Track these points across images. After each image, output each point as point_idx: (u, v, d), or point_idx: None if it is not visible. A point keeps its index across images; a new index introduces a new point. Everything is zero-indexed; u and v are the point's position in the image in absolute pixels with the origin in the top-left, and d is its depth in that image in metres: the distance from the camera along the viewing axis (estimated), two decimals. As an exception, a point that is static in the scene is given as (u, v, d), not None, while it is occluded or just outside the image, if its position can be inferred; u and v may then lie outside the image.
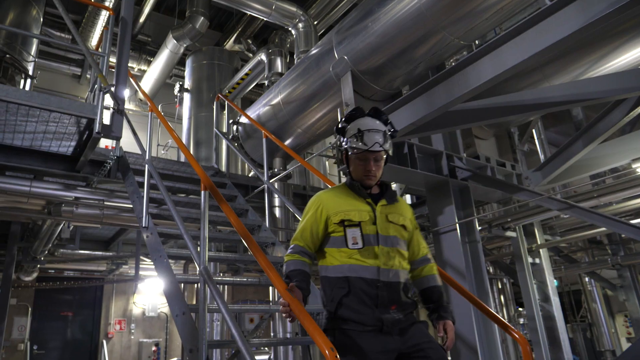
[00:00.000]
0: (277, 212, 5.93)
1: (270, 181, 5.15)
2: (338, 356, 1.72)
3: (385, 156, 2.28)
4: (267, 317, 4.57)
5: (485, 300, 4.29)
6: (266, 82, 7.13)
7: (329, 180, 4.29)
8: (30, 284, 8.87)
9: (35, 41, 7.00)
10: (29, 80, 6.76)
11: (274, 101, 6.02)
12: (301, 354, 5.54)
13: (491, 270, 8.92)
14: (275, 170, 6.14)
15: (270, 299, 5.40)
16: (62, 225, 6.40)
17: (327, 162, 10.62)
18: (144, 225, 3.90)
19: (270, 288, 5.45)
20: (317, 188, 7.22)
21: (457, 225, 4.54)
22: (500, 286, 9.36)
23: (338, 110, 4.63)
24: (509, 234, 6.10)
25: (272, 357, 5.39)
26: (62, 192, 5.47)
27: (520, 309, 9.74)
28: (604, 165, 5.33)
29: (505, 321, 2.89)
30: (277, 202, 5.98)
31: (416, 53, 4.28)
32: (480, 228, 5.80)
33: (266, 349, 7.05)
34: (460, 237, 4.52)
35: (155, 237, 3.75)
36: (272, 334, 5.73)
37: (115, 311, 9.91)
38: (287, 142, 6.05)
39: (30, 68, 6.78)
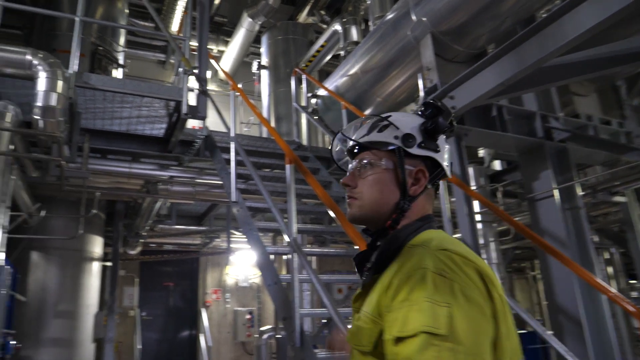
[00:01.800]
0: (360, 183, 5.89)
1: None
2: None
3: (383, 161, 1.18)
4: (357, 287, 4.60)
5: (590, 271, 3.99)
6: (342, 53, 7.03)
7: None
8: (135, 257, 9.67)
9: (123, 32, 7.42)
10: (120, 70, 7.21)
11: (352, 71, 5.93)
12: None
13: (597, 239, 8.25)
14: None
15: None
16: (159, 202, 6.85)
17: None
18: (233, 200, 4.05)
19: (357, 259, 5.46)
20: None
21: (555, 191, 4.23)
22: (607, 256, 8.64)
23: (419, 75, 4.45)
24: (618, 199, 5.59)
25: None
26: (157, 171, 5.83)
27: (632, 281, 8.96)
28: None
29: (617, 293, 2.66)
30: (360, 173, 5.93)
31: (502, 7, 3.97)
32: (582, 193, 5.35)
33: (355, 318, 7.17)
34: (560, 204, 4.20)
35: (244, 211, 3.89)
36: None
37: (211, 282, 10.55)
38: (366, 112, 5.95)
39: (120, 58, 7.21)
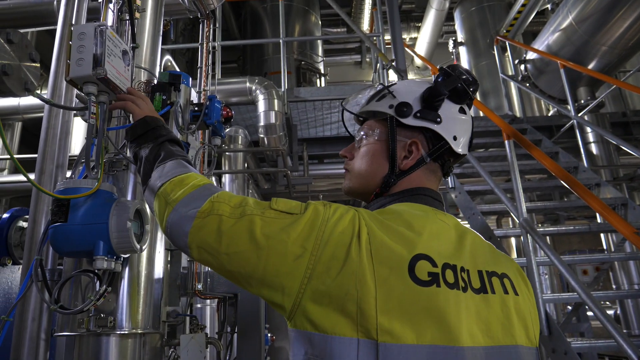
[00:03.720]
0: (593, 148, 5.12)
1: (579, 115, 4.47)
2: None
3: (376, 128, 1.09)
4: (606, 268, 4.01)
5: None
6: (549, 6, 6.24)
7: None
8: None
9: (319, 43, 7.98)
10: (322, 78, 7.77)
11: (564, 24, 5.20)
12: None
13: None
14: (582, 102, 5.31)
15: (604, 246, 4.72)
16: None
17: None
18: (450, 186, 3.94)
19: (602, 235, 4.76)
20: (640, 111, 5.92)
21: None
22: None
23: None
24: None
25: (618, 311, 4.73)
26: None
27: None
28: None
29: None
30: (591, 137, 5.17)
31: None
32: None
33: (608, 303, 6.26)
34: None
35: (464, 195, 3.75)
36: (614, 287, 5.02)
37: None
38: (591, 66, 5.15)
39: (321, 67, 7.77)
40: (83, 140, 1.95)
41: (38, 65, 2.82)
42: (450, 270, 0.84)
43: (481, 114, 6.57)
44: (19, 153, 5.95)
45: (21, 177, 5.34)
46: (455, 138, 1.03)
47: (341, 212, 0.88)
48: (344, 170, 1.13)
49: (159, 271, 2.02)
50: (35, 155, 2.28)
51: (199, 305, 3.97)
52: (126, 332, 1.81)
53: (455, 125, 1.04)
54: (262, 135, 4.61)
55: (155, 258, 2.01)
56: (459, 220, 1.15)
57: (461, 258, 0.88)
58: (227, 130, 4.84)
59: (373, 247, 0.81)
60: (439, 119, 1.02)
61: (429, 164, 1.04)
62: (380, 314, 0.76)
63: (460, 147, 1.05)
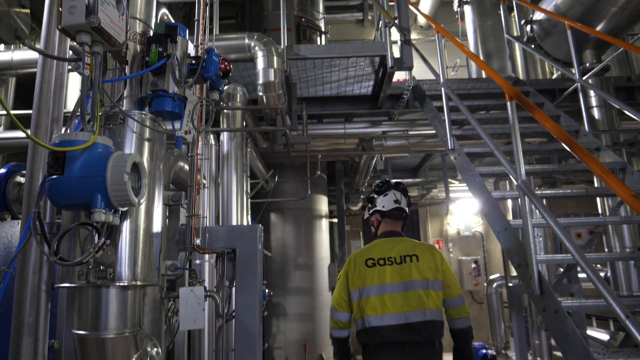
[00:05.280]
0: (595, 113, 5.08)
1: (584, 78, 4.41)
2: None
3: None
4: (600, 231, 4.05)
5: None
6: (559, -36, 6.02)
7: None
8: (358, 212, 10.36)
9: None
10: (323, 36, 7.59)
11: (574, -17, 5.04)
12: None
13: None
14: (587, 65, 5.22)
15: (600, 210, 4.75)
16: (375, 158, 7.12)
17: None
18: (450, 148, 3.93)
19: (598, 200, 4.79)
20: (645, 76, 5.83)
21: None
22: None
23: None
24: None
25: (609, 274, 4.81)
26: (370, 129, 6.04)
27: None
28: None
29: None
30: (594, 101, 5.11)
31: None
32: None
33: (599, 266, 6.36)
34: None
35: (463, 157, 3.74)
36: (606, 250, 5.09)
37: (432, 232, 10.66)
38: (598, 28, 5.03)
39: (321, 25, 7.57)
40: (78, 95, 1.92)
41: (28, 11, 2.74)
42: (382, 259, 2.88)
43: (484, 75, 6.47)
44: (14, 109, 5.88)
45: (17, 134, 5.29)
46: (383, 207, 3.08)
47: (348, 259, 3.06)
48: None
49: (157, 225, 2.04)
50: (31, 112, 2.25)
51: (197, 262, 4.03)
52: (126, 284, 1.83)
53: (382, 202, 3.10)
54: (260, 94, 4.54)
55: (154, 212, 2.01)
56: (404, 236, 3.09)
57: (390, 254, 2.89)
58: (226, 87, 4.77)
59: (352, 260, 2.98)
60: (376, 205, 3.12)
61: (383, 220, 3.12)
62: (358, 280, 2.88)
63: (384, 209, 3.08)
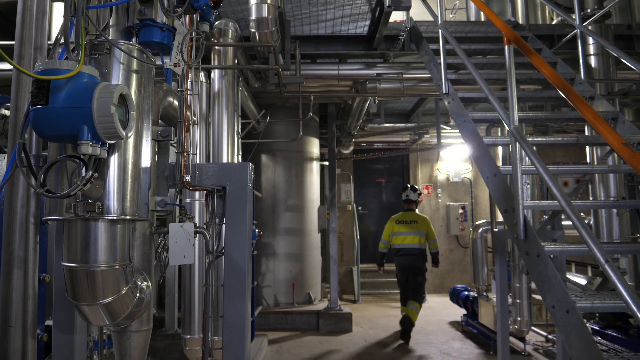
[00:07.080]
0: (592, 61, 5.00)
1: (584, 24, 4.30)
2: None
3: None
4: (587, 180, 4.10)
5: None
6: None
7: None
8: (349, 155, 10.36)
9: None
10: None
11: None
12: (629, 220, 4.88)
13: None
14: (589, 10, 5.08)
15: (588, 160, 4.79)
16: (368, 101, 7.03)
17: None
18: (444, 92, 3.88)
19: (587, 149, 4.82)
20: (646, 24, 5.70)
21: None
22: None
23: None
24: None
25: (592, 222, 4.93)
26: (364, 70, 5.93)
27: None
28: None
29: None
30: (592, 49, 5.02)
31: None
32: None
33: (583, 214, 6.51)
34: None
35: (457, 102, 3.70)
36: (591, 199, 5.18)
37: (421, 177, 10.74)
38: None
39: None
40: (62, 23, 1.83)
41: None
42: (404, 221, 7.07)
43: (482, 17, 6.29)
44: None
45: (1, 65, 5.11)
46: (404, 197, 7.32)
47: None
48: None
49: (146, 160, 2.01)
50: (13, 42, 2.16)
51: (187, 200, 4.04)
52: (115, 217, 1.83)
53: (403, 195, 7.34)
54: (253, 30, 4.39)
55: (143, 147, 1.98)
56: (413, 211, 7.19)
57: (405, 219, 7.09)
58: (217, 23, 4.60)
59: (392, 219, 7.22)
60: (402, 196, 7.41)
61: (404, 202, 7.32)
62: (392, 228, 7.14)
63: (403, 199, 7.35)
